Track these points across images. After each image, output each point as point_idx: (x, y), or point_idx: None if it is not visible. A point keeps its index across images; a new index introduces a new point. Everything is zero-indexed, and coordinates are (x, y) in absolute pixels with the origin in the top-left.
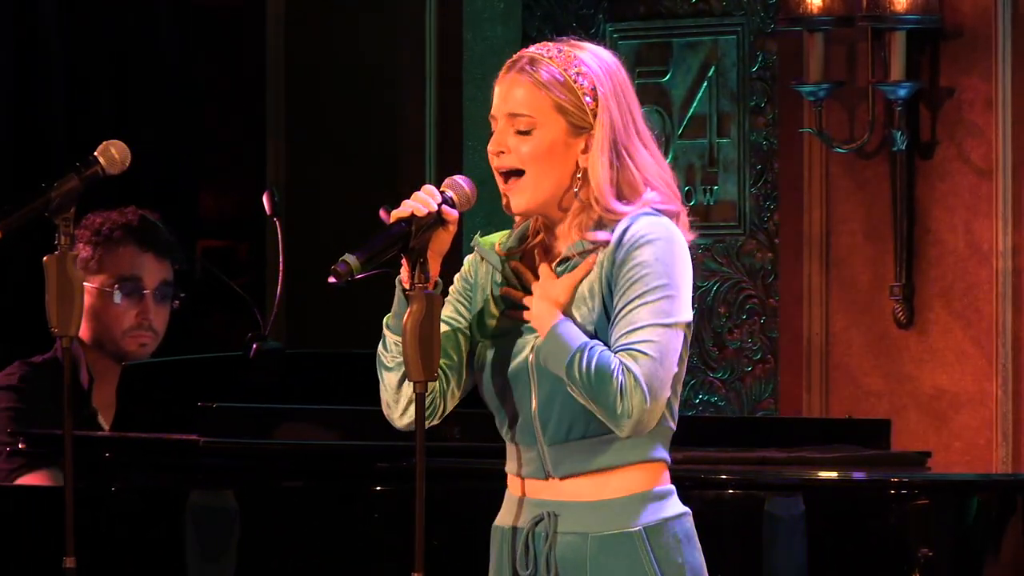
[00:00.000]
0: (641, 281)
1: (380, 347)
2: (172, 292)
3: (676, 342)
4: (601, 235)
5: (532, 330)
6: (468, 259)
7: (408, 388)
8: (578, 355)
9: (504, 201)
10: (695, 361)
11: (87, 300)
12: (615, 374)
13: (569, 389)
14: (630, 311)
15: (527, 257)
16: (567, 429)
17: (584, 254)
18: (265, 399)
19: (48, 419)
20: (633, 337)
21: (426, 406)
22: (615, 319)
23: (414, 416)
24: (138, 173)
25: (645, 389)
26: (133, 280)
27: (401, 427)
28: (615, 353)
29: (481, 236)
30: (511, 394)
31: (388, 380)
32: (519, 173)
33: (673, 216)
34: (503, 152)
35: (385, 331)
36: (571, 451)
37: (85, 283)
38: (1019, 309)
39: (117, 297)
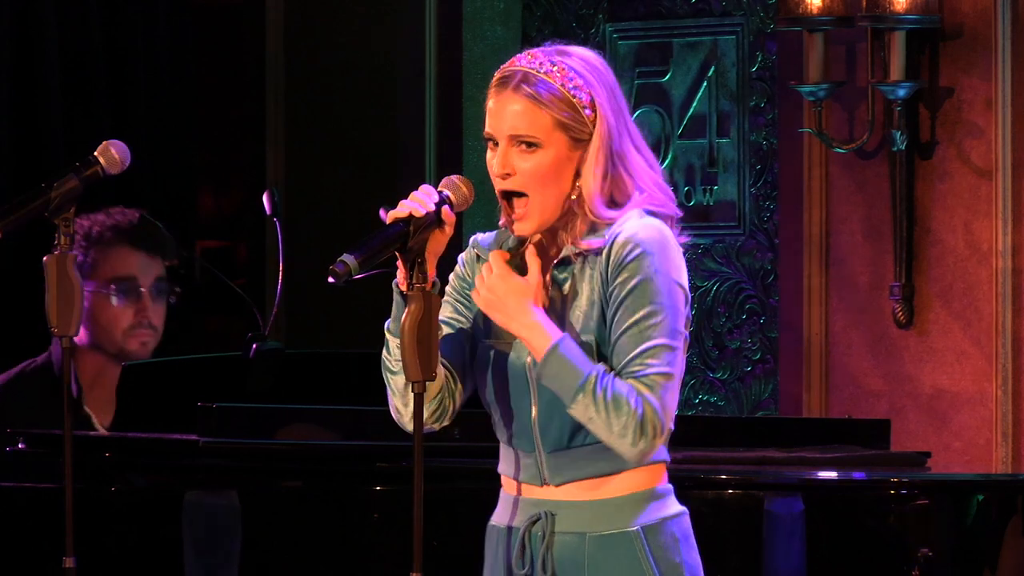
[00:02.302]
0: (639, 300)
1: (384, 352)
2: (168, 288)
3: (682, 362)
4: (595, 242)
5: None
6: (463, 257)
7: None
8: (592, 383)
9: (505, 221)
10: (695, 361)
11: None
12: (632, 405)
13: (571, 412)
14: (633, 333)
15: (523, 257)
16: (570, 437)
17: (581, 255)
18: (265, 399)
19: (36, 425)
20: (642, 364)
21: (436, 407)
22: (616, 339)
23: (424, 415)
24: (137, 173)
25: (662, 419)
26: (128, 280)
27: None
28: (625, 379)
29: (480, 235)
30: (509, 399)
31: (395, 383)
32: (522, 195)
33: (664, 220)
34: (509, 174)
35: (387, 335)
36: (571, 458)
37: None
38: (1019, 309)
39: (114, 299)
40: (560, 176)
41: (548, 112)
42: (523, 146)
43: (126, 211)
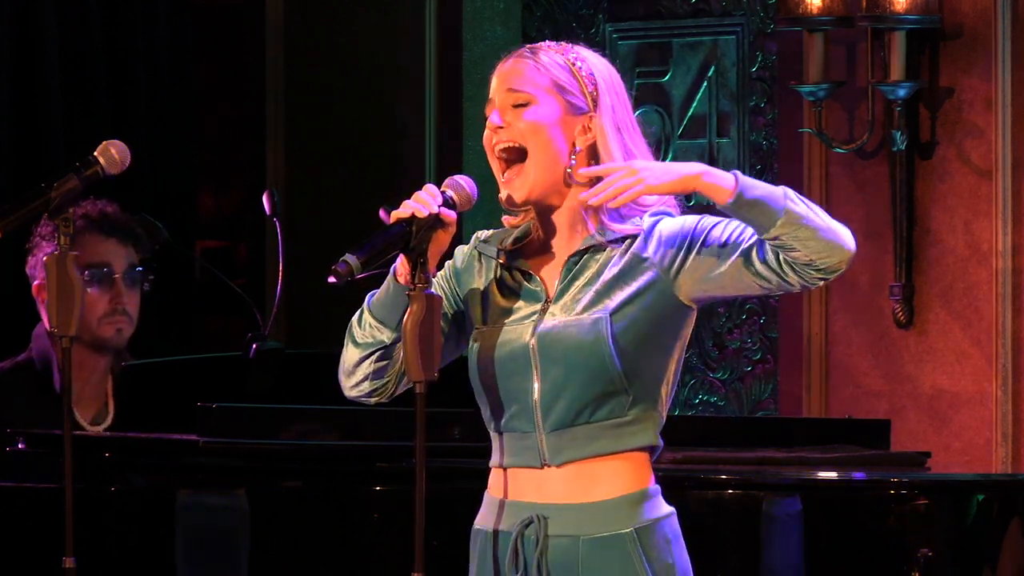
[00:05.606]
0: (711, 220)
1: (355, 319)
2: (141, 276)
3: None
4: (630, 226)
5: (529, 316)
6: (460, 251)
7: (365, 367)
8: (791, 192)
9: (503, 195)
10: (695, 361)
11: None
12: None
13: (776, 230)
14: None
15: (526, 252)
16: (575, 414)
17: (615, 243)
18: (265, 399)
19: (17, 424)
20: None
21: (380, 384)
22: (728, 242)
23: (365, 389)
24: (137, 173)
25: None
26: (101, 266)
27: (348, 395)
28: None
29: (481, 233)
30: (506, 381)
31: (351, 354)
32: (519, 154)
33: None
34: (502, 127)
35: (366, 312)
36: (573, 437)
37: None
38: (1019, 309)
39: (88, 287)
40: (554, 134)
41: (547, 73)
42: (518, 102)
43: (97, 201)
